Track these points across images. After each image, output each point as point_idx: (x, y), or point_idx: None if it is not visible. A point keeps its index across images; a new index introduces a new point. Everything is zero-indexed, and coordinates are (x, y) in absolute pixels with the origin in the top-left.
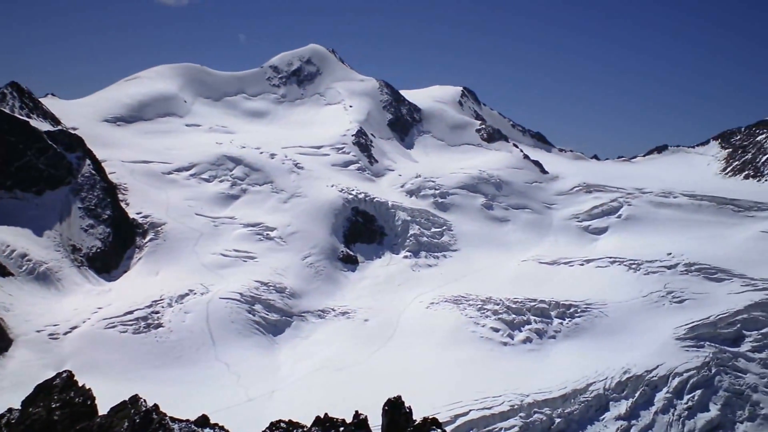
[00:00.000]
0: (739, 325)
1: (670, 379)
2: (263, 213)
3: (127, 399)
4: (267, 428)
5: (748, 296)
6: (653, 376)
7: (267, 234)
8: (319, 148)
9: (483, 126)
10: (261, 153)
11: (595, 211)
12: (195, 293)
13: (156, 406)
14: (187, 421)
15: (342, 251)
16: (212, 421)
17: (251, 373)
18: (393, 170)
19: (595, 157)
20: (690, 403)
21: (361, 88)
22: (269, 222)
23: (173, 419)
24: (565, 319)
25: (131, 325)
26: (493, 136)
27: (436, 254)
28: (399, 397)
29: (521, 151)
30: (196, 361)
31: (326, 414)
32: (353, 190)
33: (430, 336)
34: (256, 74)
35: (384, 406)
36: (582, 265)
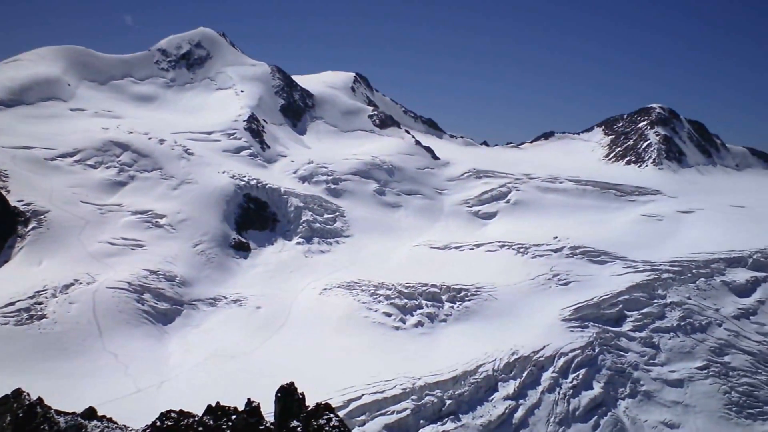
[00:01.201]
0: (621, 306)
1: (556, 359)
2: (152, 200)
3: (9, 393)
4: (157, 419)
5: (630, 278)
6: (540, 357)
7: (156, 221)
8: (209, 133)
9: (375, 112)
10: (149, 138)
11: (484, 196)
12: (81, 283)
13: (40, 399)
14: (74, 414)
15: (234, 238)
16: (100, 414)
17: (140, 363)
18: (285, 156)
19: (485, 143)
20: (575, 382)
21: (252, 72)
22: (158, 209)
23: (59, 412)
24: (455, 303)
25: (12, 317)
26: (385, 122)
27: (328, 240)
28: (292, 384)
29: (413, 137)
30: (83, 352)
31: (218, 403)
32: (245, 176)
33: (323, 322)
34: (144, 57)
35: (277, 393)
36: (472, 249)
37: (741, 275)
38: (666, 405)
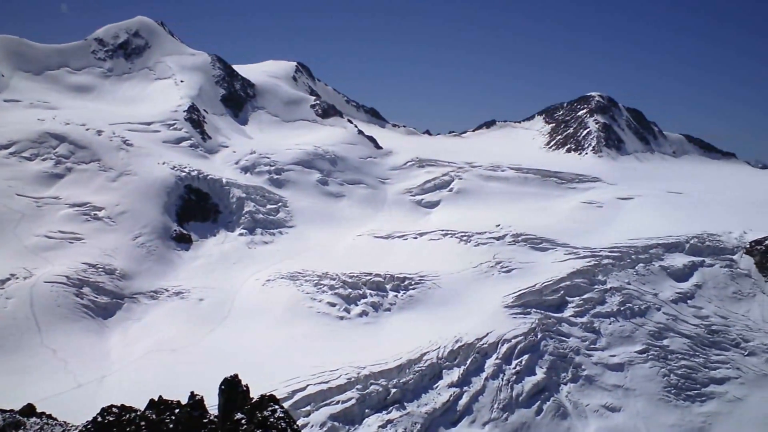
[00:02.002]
0: (562, 292)
1: (499, 345)
2: (90, 192)
3: None
4: (98, 414)
5: (571, 264)
6: (483, 344)
7: (95, 214)
8: (149, 124)
9: (318, 102)
10: (87, 130)
11: (427, 185)
12: (17, 278)
13: None
14: (11, 411)
15: (175, 230)
16: (39, 410)
17: (80, 358)
18: (227, 147)
19: (427, 132)
20: (518, 368)
21: (192, 62)
22: (97, 202)
23: None
24: (399, 292)
25: None
26: (327, 111)
27: (272, 231)
28: (236, 376)
29: (356, 126)
30: (21, 348)
31: (160, 396)
32: (186, 167)
33: (266, 313)
34: (80, 47)
35: (220, 385)
36: (415, 238)
37: (679, 260)
38: (607, 389)
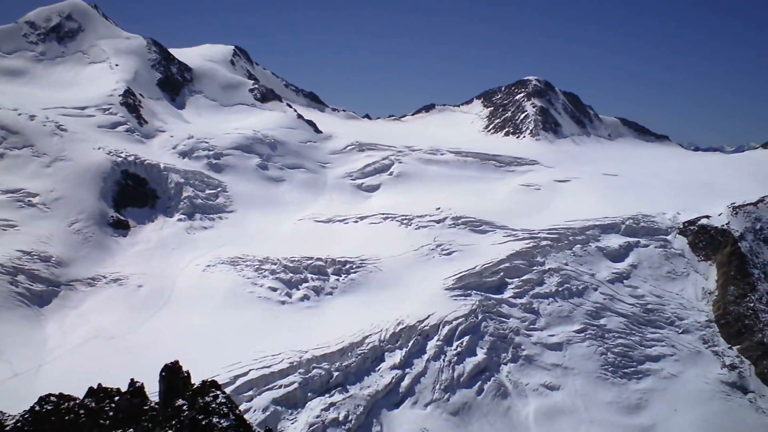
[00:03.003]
0: (502, 274)
1: (441, 327)
2: (23, 179)
3: None
4: (35, 404)
5: (510, 246)
6: (425, 326)
7: (29, 201)
8: (83, 109)
9: (256, 86)
10: (19, 114)
11: (367, 169)
12: None
13: None
14: None
15: (112, 216)
16: None
17: (16, 347)
18: (164, 131)
19: (367, 116)
20: (459, 349)
21: (127, 46)
22: (30, 188)
23: None
24: (341, 276)
25: None
26: (266, 96)
27: (211, 216)
28: (176, 362)
29: (295, 110)
30: None
31: (100, 384)
32: (122, 152)
33: (207, 299)
34: (11, 30)
35: (161, 372)
36: (356, 222)
37: (614, 241)
38: (546, 368)
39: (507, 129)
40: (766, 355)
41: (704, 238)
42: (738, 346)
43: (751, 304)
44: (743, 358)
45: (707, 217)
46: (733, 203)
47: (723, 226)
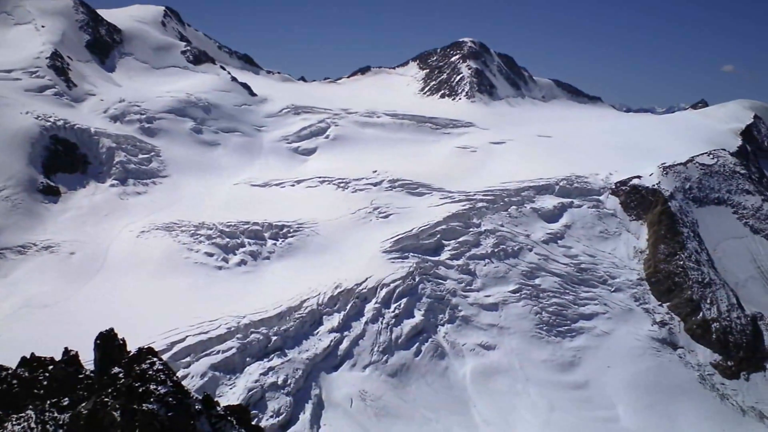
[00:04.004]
0: (439, 236)
1: (378, 290)
2: None
3: None
4: None
5: (446, 208)
6: (363, 289)
7: None
8: (9, 72)
9: (188, 48)
10: None
11: (303, 132)
12: None
13: None
14: None
15: (41, 182)
16: None
17: None
18: (94, 95)
19: (303, 79)
20: (397, 311)
21: (53, 6)
22: None
23: None
24: (278, 240)
25: None
26: (199, 58)
27: (144, 181)
28: (111, 330)
29: (229, 73)
30: None
31: (32, 354)
32: (51, 117)
33: (142, 265)
34: None
35: (95, 340)
36: (293, 186)
37: (549, 202)
38: (483, 328)
39: (443, 91)
40: (695, 311)
41: (635, 198)
42: (668, 303)
43: (681, 262)
44: (673, 315)
45: (638, 177)
46: (664, 163)
47: (654, 186)
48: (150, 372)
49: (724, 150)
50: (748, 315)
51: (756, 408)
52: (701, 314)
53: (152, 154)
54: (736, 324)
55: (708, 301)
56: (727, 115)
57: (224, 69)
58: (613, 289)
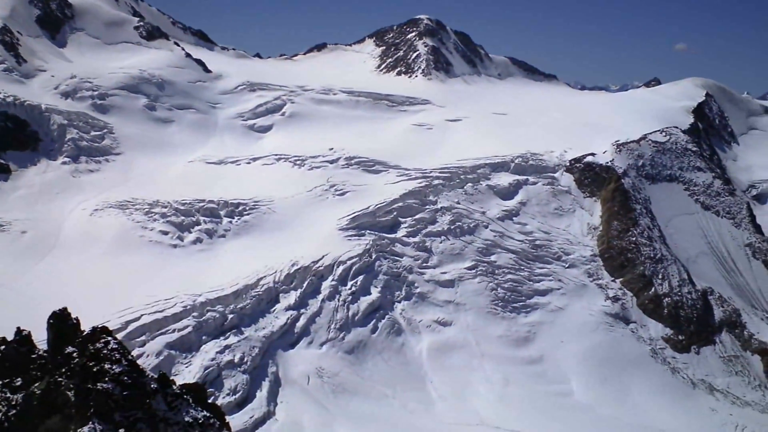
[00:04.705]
0: (395, 213)
1: (335, 267)
2: None
3: None
4: None
5: (403, 186)
6: (319, 266)
7: None
8: None
9: (141, 23)
10: None
11: (259, 109)
12: None
13: None
14: None
15: None
16: None
17: None
18: (45, 71)
19: (258, 55)
20: (353, 289)
21: None
22: None
23: None
24: (234, 218)
25: None
26: (152, 33)
27: (97, 159)
28: (64, 309)
29: (183, 49)
30: None
31: None
32: (0, 93)
33: (95, 244)
34: None
35: (48, 319)
36: (249, 163)
37: (504, 179)
38: (439, 305)
39: (399, 68)
40: (647, 286)
41: (589, 176)
42: (621, 279)
43: (633, 238)
44: (626, 290)
45: (592, 154)
46: (617, 141)
47: (607, 163)
48: (104, 351)
49: (676, 128)
50: (698, 290)
51: (706, 381)
52: (653, 289)
53: (105, 131)
54: (687, 299)
55: (660, 277)
56: (680, 93)
57: (178, 45)
58: (567, 265)
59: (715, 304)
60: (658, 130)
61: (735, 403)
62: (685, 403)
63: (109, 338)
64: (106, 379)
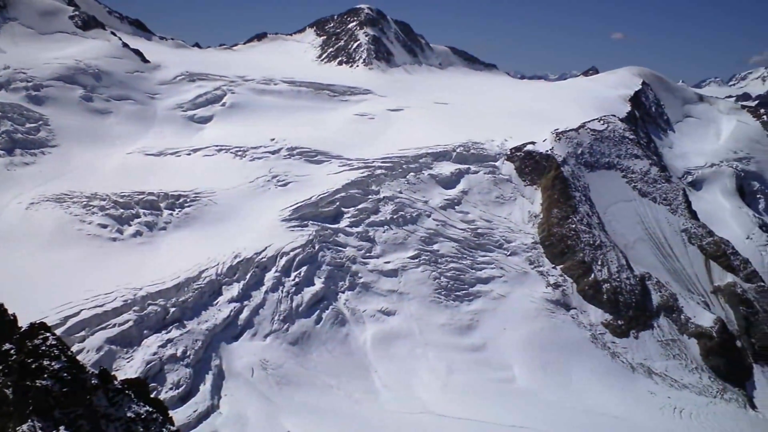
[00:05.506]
0: (338, 203)
1: (278, 258)
2: None
3: None
4: None
5: (345, 176)
6: (262, 258)
7: None
8: None
9: (77, 12)
10: None
11: (199, 100)
12: None
13: None
14: None
15: None
16: None
17: None
18: None
19: (197, 45)
20: (297, 280)
21: None
22: None
23: None
24: (175, 210)
25: None
26: (88, 23)
27: (33, 151)
28: (1, 305)
29: (120, 39)
30: None
31: None
32: None
33: (32, 238)
34: None
35: None
36: (189, 154)
37: (446, 168)
38: (382, 294)
39: (340, 58)
40: (587, 273)
41: (530, 164)
42: (561, 266)
43: (573, 226)
44: (566, 277)
45: (533, 143)
46: (557, 129)
47: (547, 151)
48: (43, 347)
49: (614, 116)
50: (636, 275)
51: (644, 364)
52: (593, 275)
53: (40, 123)
54: (625, 284)
55: (599, 263)
56: (617, 82)
57: (115, 35)
58: (508, 253)
59: (653, 289)
60: (596, 119)
61: (673, 386)
62: (624, 386)
63: (48, 334)
64: (45, 375)
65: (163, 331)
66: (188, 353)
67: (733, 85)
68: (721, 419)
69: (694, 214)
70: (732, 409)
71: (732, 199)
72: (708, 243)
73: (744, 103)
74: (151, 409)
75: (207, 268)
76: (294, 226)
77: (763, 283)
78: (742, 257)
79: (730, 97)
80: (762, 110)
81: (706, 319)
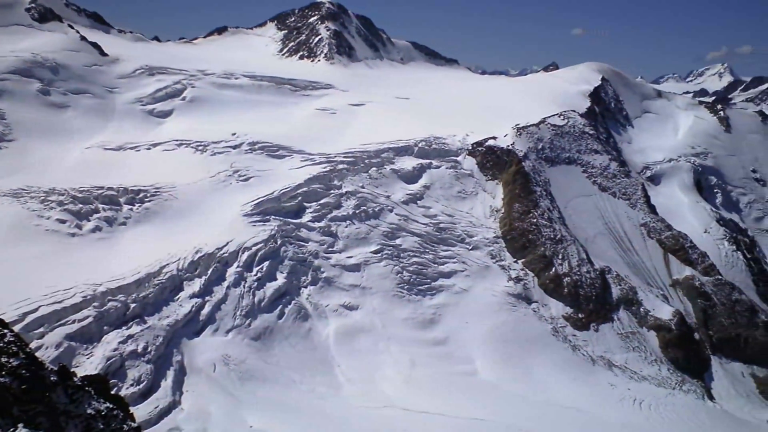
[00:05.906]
0: (300, 198)
1: (240, 253)
2: None
3: None
4: None
5: (308, 170)
6: (224, 253)
7: None
8: None
9: (33, 5)
10: None
11: (159, 94)
12: None
13: None
14: None
15: None
16: None
17: None
18: None
19: (156, 38)
20: (259, 275)
21: None
22: None
23: None
24: (135, 205)
25: None
26: (45, 15)
27: None
28: None
29: (77, 32)
30: None
31: None
32: None
33: None
34: None
35: None
36: (149, 149)
37: (408, 163)
38: (345, 289)
39: (302, 52)
40: (548, 267)
41: (491, 159)
42: (523, 260)
43: (534, 220)
44: (527, 271)
45: (494, 138)
46: (518, 124)
47: (508, 146)
48: (0, 344)
49: (574, 111)
50: (597, 269)
51: (605, 357)
52: (554, 269)
53: None
54: (585, 278)
55: (560, 257)
56: (577, 78)
57: (72, 27)
58: (470, 248)
59: (613, 283)
60: (557, 114)
61: (633, 378)
62: (585, 379)
63: (5, 331)
64: (3, 372)
65: (124, 327)
66: (149, 349)
67: (691, 81)
68: (680, 410)
69: (652, 209)
70: (690, 400)
71: (690, 194)
72: (666, 237)
73: (701, 99)
74: (111, 406)
75: (168, 264)
76: (256, 221)
77: (720, 277)
78: (699, 251)
79: (688, 93)
80: (719, 106)
81: (665, 312)
